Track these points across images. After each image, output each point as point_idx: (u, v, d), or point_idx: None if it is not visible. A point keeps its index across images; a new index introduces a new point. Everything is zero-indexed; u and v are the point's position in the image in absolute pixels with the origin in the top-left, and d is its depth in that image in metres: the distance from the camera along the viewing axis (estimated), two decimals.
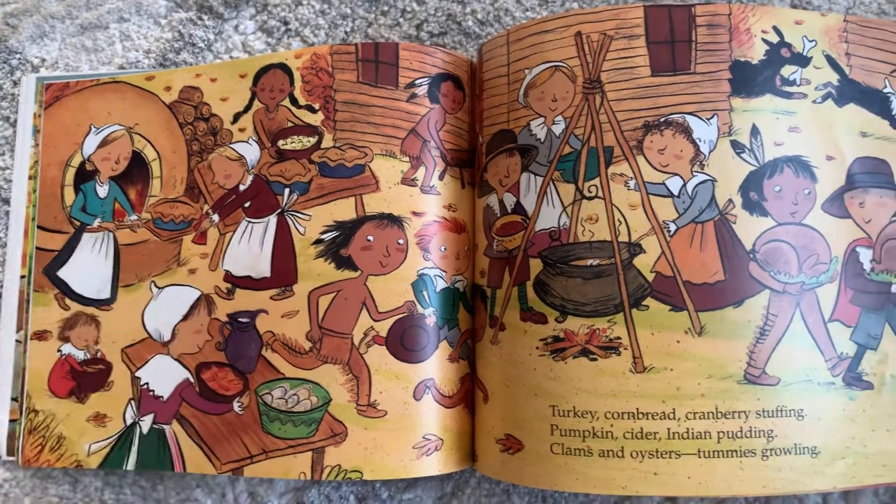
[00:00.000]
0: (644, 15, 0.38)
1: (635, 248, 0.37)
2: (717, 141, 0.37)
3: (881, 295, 0.38)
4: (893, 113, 0.39)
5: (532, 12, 0.47)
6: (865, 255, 0.38)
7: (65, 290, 0.45)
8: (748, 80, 0.38)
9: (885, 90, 0.39)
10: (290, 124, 0.43)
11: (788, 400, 0.36)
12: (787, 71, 0.38)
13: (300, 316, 0.41)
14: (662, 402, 0.36)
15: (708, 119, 0.37)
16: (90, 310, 0.45)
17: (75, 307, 0.45)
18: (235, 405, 0.41)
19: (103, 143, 0.46)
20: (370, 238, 0.41)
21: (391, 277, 0.40)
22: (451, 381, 0.41)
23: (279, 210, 0.42)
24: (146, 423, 0.43)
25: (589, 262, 0.37)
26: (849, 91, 0.39)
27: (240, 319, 0.42)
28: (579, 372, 0.36)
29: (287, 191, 0.42)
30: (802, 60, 0.38)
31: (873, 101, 0.39)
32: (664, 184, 0.37)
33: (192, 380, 0.42)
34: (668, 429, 0.36)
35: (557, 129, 0.39)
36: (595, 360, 0.36)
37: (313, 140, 0.42)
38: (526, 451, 0.37)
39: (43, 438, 0.44)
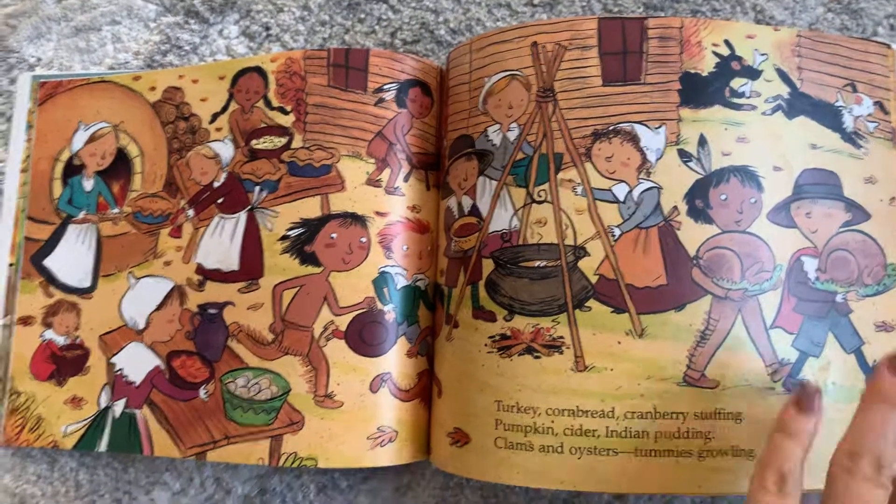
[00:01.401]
0: (598, 27, 0.39)
1: (580, 252, 0.38)
2: (665, 150, 0.38)
3: (826, 303, 0.39)
4: (844, 126, 0.40)
5: (502, 22, 0.48)
6: (810, 265, 0.39)
7: (49, 279, 0.48)
8: (697, 91, 0.39)
9: (836, 103, 0.40)
10: (263, 125, 0.45)
11: (727, 403, 0.37)
12: (737, 83, 0.39)
13: (265, 308, 0.43)
14: (602, 401, 0.37)
15: (656, 128, 0.38)
16: (72, 297, 0.47)
17: (58, 295, 0.47)
18: (202, 392, 0.43)
19: (91, 140, 0.49)
20: (334, 236, 0.42)
21: (353, 274, 0.42)
22: (408, 375, 0.42)
23: (249, 207, 0.44)
24: (118, 408, 0.45)
25: (536, 263, 0.38)
26: (799, 104, 0.40)
27: (209, 310, 0.44)
28: (523, 369, 0.38)
29: (257, 188, 0.44)
30: (753, 73, 0.39)
31: (825, 114, 0.40)
32: (611, 190, 0.38)
33: (162, 367, 0.44)
34: (607, 427, 0.37)
35: (512, 135, 0.40)
36: (539, 357, 0.38)
37: (284, 140, 0.44)
38: (472, 445, 0.39)
39: (23, 419, 0.46)
